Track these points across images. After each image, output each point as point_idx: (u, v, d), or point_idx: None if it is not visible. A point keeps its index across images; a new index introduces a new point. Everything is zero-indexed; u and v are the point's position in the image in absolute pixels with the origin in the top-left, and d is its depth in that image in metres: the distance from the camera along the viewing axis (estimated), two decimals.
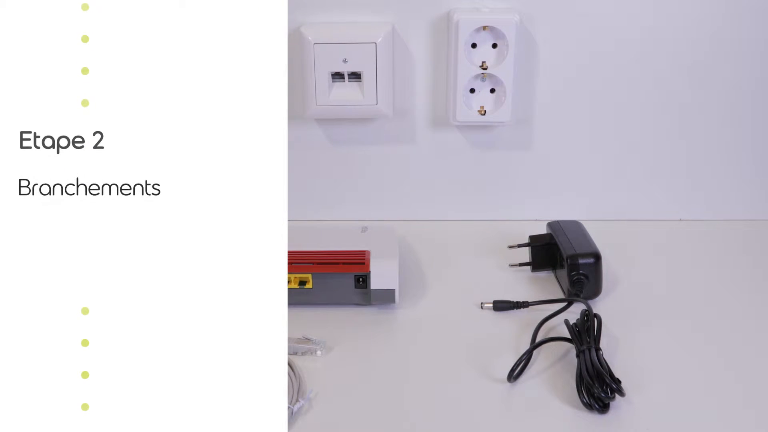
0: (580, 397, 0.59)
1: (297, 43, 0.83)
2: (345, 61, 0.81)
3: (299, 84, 0.84)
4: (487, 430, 0.58)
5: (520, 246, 0.80)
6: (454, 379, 0.63)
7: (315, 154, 0.88)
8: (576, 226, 0.78)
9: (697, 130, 0.87)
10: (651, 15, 0.82)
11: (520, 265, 0.80)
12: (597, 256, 0.73)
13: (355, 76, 0.83)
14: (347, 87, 0.83)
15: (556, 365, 0.64)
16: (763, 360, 0.65)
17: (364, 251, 0.73)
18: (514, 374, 0.62)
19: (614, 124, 0.87)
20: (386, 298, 0.71)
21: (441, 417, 0.59)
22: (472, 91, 0.83)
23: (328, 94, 0.83)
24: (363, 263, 0.71)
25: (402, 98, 0.87)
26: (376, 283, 0.71)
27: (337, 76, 0.83)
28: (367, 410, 0.60)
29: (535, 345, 0.65)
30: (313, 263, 0.72)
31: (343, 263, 0.72)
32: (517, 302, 0.73)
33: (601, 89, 0.86)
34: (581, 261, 0.72)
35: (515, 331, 0.69)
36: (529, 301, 0.73)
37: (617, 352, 0.66)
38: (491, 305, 0.73)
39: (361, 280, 0.72)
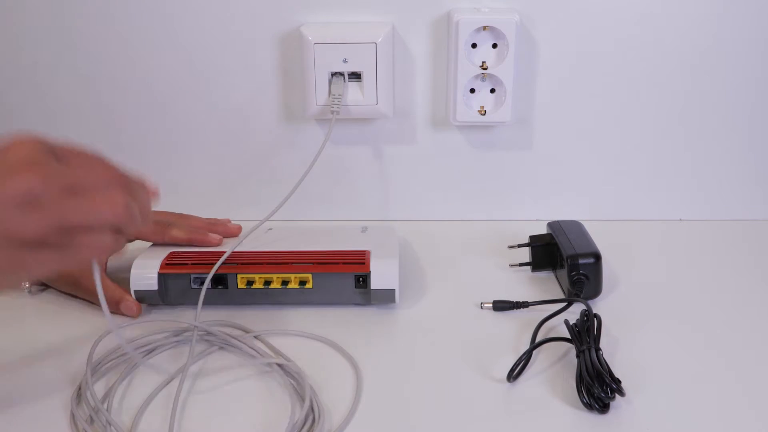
0: (580, 397, 0.59)
1: (297, 43, 0.83)
2: (345, 61, 0.81)
3: (299, 84, 0.84)
4: (487, 430, 0.58)
5: (520, 246, 0.80)
6: (454, 379, 0.63)
7: (315, 154, 0.88)
8: (576, 226, 0.78)
9: (697, 130, 0.87)
10: (651, 15, 0.82)
11: (520, 265, 0.80)
12: (597, 256, 0.73)
13: (355, 76, 0.83)
14: (347, 87, 0.83)
15: (556, 365, 0.64)
16: (763, 360, 0.65)
17: (364, 251, 0.73)
18: (514, 374, 0.62)
19: (614, 124, 0.87)
20: (386, 298, 0.71)
21: (441, 417, 0.59)
22: (472, 91, 0.83)
23: (328, 94, 0.83)
24: (363, 263, 0.71)
25: (402, 98, 0.87)
26: (376, 283, 0.71)
27: (338, 76, 0.83)
28: (366, 410, 0.60)
29: (534, 345, 0.65)
30: (313, 263, 0.72)
31: (343, 263, 0.72)
32: (517, 302, 0.72)
33: (601, 89, 0.86)
34: (581, 261, 0.72)
35: (515, 331, 0.69)
36: (529, 301, 0.73)
37: (617, 352, 0.66)
38: (491, 305, 0.73)
39: (361, 280, 0.72)
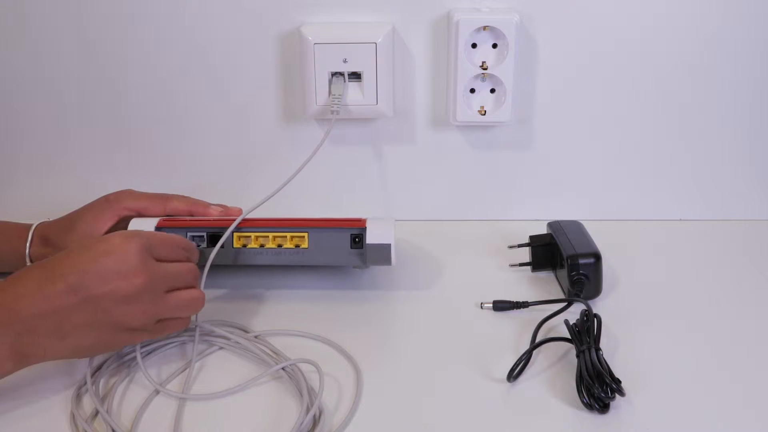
0: (580, 397, 0.59)
1: (297, 43, 0.83)
2: (345, 61, 0.81)
3: (299, 84, 0.84)
4: (487, 430, 0.58)
5: (520, 246, 0.80)
6: (454, 379, 0.63)
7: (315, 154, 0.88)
8: (576, 226, 0.78)
9: (697, 130, 0.87)
10: (651, 15, 0.82)
11: (520, 265, 0.80)
12: (597, 256, 0.73)
13: (355, 76, 0.83)
14: (347, 87, 0.83)
15: (556, 365, 0.64)
16: (762, 360, 0.65)
17: (360, 218, 0.74)
18: (514, 374, 0.62)
19: (614, 124, 0.87)
20: (382, 256, 0.71)
21: (441, 417, 0.59)
22: (472, 91, 0.83)
23: (328, 94, 0.83)
24: (359, 222, 0.72)
25: (402, 98, 0.86)
26: (371, 238, 0.71)
27: (338, 76, 0.83)
28: (366, 410, 0.60)
29: (535, 345, 0.65)
30: (309, 222, 0.73)
31: (340, 221, 0.73)
32: (517, 302, 0.73)
33: (601, 89, 0.86)
34: (581, 261, 0.72)
35: (515, 331, 0.69)
36: (529, 301, 0.73)
37: (617, 352, 0.66)
38: (491, 305, 0.73)
39: (357, 239, 0.72)
